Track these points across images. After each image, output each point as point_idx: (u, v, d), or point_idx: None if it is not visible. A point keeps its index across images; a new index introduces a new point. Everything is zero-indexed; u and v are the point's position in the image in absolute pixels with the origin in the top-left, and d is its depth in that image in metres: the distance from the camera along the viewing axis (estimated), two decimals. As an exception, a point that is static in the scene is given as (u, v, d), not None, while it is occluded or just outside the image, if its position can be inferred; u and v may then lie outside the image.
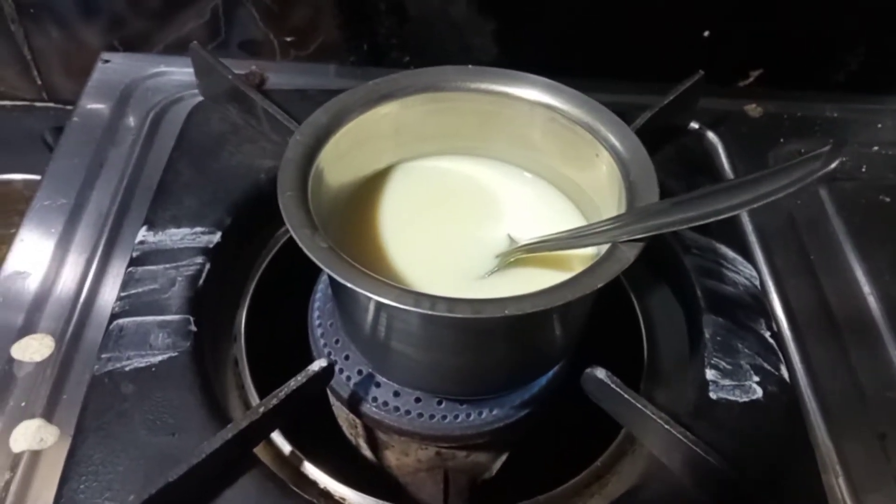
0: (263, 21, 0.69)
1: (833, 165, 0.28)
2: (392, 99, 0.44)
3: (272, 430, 0.43)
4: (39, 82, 0.79)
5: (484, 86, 0.45)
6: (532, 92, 0.44)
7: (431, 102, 0.45)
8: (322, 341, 0.47)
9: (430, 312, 0.33)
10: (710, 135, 0.64)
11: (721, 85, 0.70)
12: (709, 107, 0.64)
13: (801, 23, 0.67)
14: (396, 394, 0.45)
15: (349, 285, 0.33)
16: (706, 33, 0.68)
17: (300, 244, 0.35)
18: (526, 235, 0.43)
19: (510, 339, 0.38)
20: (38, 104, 0.81)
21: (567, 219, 0.45)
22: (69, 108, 0.79)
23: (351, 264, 0.35)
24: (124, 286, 0.47)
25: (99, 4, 0.68)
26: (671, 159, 0.59)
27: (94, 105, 0.63)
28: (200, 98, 0.61)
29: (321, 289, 0.49)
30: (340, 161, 0.43)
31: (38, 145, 0.78)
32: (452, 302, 0.33)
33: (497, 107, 0.45)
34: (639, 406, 0.41)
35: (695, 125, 0.64)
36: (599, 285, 0.33)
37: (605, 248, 0.37)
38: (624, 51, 0.70)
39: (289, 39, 0.71)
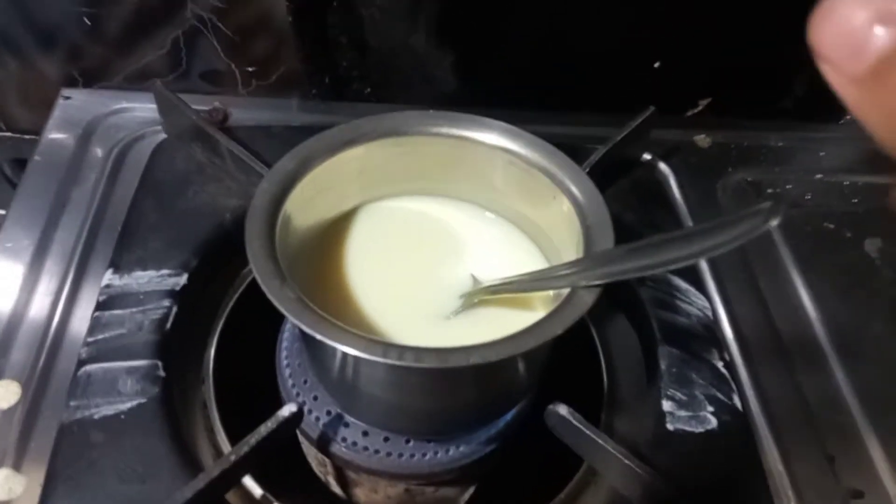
0: (225, 52, 0.69)
1: (774, 223, 0.30)
2: (356, 144, 0.45)
3: (243, 476, 0.43)
4: None
5: (445, 130, 0.46)
6: (491, 136, 0.45)
7: (394, 147, 0.46)
8: (290, 381, 0.48)
9: (397, 363, 0.34)
10: (662, 166, 0.66)
11: (672, 114, 0.72)
12: (660, 137, 0.66)
13: (748, 52, 0.70)
14: (365, 433, 0.46)
15: (318, 337, 0.34)
16: (656, 64, 0.70)
17: (269, 296, 0.36)
18: (489, 275, 0.44)
19: (475, 382, 0.40)
20: None
21: (528, 259, 0.47)
22: (27, 137, 0.79)
23: (319, 315, 0.35)
24: (91, 331, 0.47)
25: (57, 36, 0.68)
26: (626, 191, 0.62)
27: (55, 143, 0.62)
28: (163, 135, 0.61)
29: (289, 328, 0.50)
30: (306, 206, 0.43)
31: (-1, 178, 0.78)
32: (419, 352, 0.34)
33: (458, 150, 0.46)
34: (599, 441, 0.42)
35: (647, 156, 0.67)
36: (560, 331, 0.35)
37: (564, 291, 0.38)
38: (578, 82, 0.72)
39: (250, 70, 0.71)
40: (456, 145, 0.46)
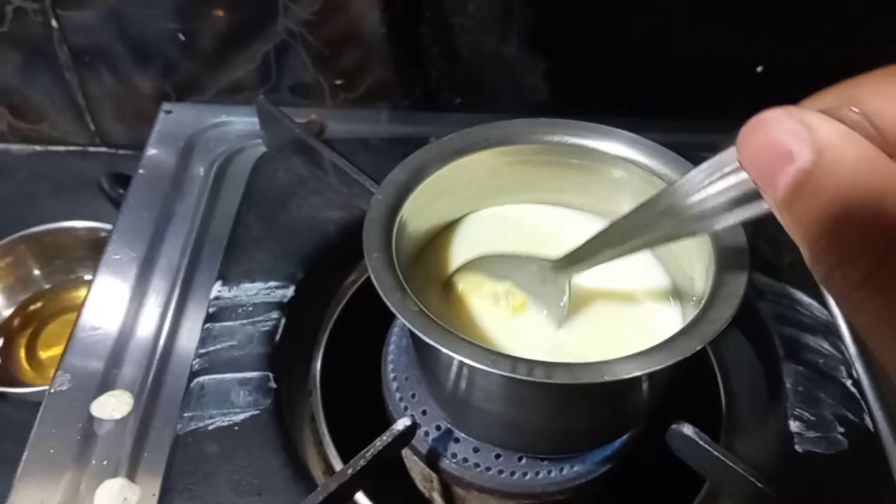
0: (314, 65, 0.70)
1: None
2: (467, 153, 0.44)
3: (357, 491, 0.43)
4: (93, 128, 0.80)
5: (558, 138, 0.45)
6: (608, 144, 0.44)
7: (505, 156, 0.45)
8: (398, 395, 0.47)
9: (528, 378, 0.33)
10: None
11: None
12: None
13: (856, 55, 0.66)
14: (476, 450, 0.44)
15: (445, 351, 0.33)
16: (759, 69, 0.68)
17: (392, 309, 0.35)
18: (601, 283, 0.43)
19: (601, 400, 0.38)
20: (90, 149, 0.82)
21: (647, 269, 0.45)
22: (122, 152, 0.82)
23: (442, 328, 0.35)
24: (202, 343, 0.47)
25: (152, 51, 0.70)
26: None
27: (158, 156, 0.64)
28: (263, 148, 0.62)
29: (394, 340, 0.50)
30: (419, 216, 0.43)
31: (94, 191, 0.80)
32: (549, 367, 0.33)
33: (572, 159, 0.45)
34: (727, 462, 0.40)
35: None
36: (698, 348, 0.33)
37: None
38: (675, 87, 0.70)
39: (339, 82, 0.72)
40: (570, 153, 0.45)
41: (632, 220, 0.33)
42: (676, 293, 0.43)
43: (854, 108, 0.22)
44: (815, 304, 0.51)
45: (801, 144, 0.20)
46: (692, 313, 0.36)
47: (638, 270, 0.44)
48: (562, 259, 0.40)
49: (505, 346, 0.40)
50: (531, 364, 0.33)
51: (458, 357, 0.33)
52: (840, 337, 0.51)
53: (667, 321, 0.42)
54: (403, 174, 0.43)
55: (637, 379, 0.36)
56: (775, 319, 0.50)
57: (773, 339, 0.49)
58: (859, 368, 0.50)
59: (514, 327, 0.42)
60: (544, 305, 0.42)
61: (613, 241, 0.35)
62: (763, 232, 0.56)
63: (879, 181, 0.19)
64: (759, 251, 0.54)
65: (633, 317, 0.42)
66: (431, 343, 0.34)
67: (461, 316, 0.42)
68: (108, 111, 0.78)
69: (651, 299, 0.43)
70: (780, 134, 0.21)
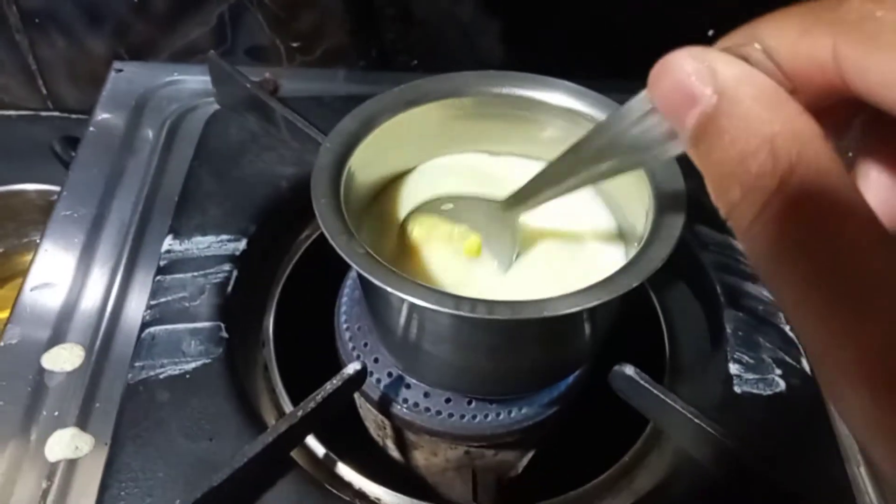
0: (270, 27, 0.69)
1: None
2: (417, 104, 0.45)
3: (308, 434, 0.43)
4: (45, 92, 0.79)
5: (507, 90, 0.45)
6: (554, 95, 0.45)
7: (455, 108, 0.46)
8: (350, 345, 0.48)
9: (469, 315, 0.33)
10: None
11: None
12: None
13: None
14: (427, 394, 0.45)
15: (391, 290, 0.34)
16: (710, 32, 0.69)
17: (339, 251, 0.35)
18: (548, 223, 0.44)
19: (543, 339, 0.39)
20: (43, 113, 0.81)
21: (592, 209, 0.46)
22: (74, 116, 0.80)
23: (389, 269, 0.35)
24: (153, 294, 0.47)
25: (104, 13, 0.68)
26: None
27: (109, 115, 0.63)
28: (216, 106, 0.61)
29: (347, 292, 0.50)
30: (369, 166, 0.43)
31: (47, 155, 0.78)
32: (492, 305, 0.34)
33: (520, 110, 0.46)
34: (668, 401, 0.42)
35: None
36: (636, 283, 0.34)
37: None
38: (631, 50, 0.70)
39: (295, 45, 0.71)
40: (518, 105, 0.45)
41: (570, 158, 0.34)
42: (622, 236, 0.44)
43: (757, 45, 0.23)
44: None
45: (704, 87, 0.21)
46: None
47: (585, 214, 0.45)
48: (509, 198, 0.40)
49: (458, 291, 0.41)
50: (473, 302, 0.34)
51: (403, 296, 0.34)
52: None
53: (614, 263, 0.43)
54: (353, 124, 0.43)
55: (577, 316, 0.37)
56: (717, 269, 0.51)
57: (715, 287, 0.50)
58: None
59: (468, 272, 0.43)
60: (496, 246, 0.43)
61: (555, 178, 0.36)
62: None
63: (771, 119, 0.20)
64: (703, 204, 0.55)
65: (581, 259, 0.43)
66: (377, 283, 0.34)
67: (416, 262, 0.43)
68: (60, 74, 0.76)
69: (598, 241, 0.44)
70: (684, 76, 0.22)
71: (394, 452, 0.51)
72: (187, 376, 0.44)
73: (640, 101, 0.28)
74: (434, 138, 0.47)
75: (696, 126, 0.22)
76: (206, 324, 0.46)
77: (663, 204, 0.39)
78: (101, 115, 0.63)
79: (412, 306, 0.37)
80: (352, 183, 0.42)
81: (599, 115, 0.43)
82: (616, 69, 0.68)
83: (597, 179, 0.34)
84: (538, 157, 0.48)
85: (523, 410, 0.45)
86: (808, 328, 0.20)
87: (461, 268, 0.43)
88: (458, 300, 0.34)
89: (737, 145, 0.20)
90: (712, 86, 0.21)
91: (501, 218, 0.41)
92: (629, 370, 0.42)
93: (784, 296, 0.20)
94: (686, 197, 0.38)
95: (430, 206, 0.44)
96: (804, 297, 0.19)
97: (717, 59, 0.22)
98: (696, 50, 0.22)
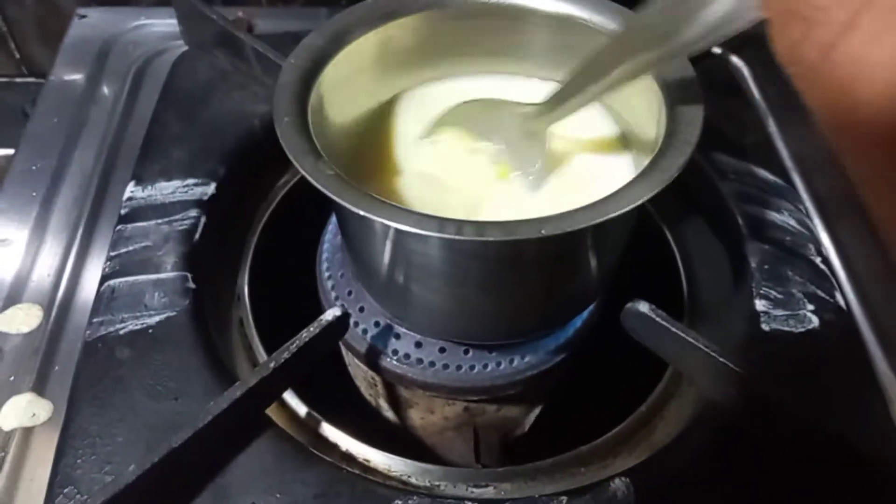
0: (250, -37, 0.64)
1: None
2: (396, 17, 0.40)
3: (285, 389, 0.39)
4: (17, 56, 0.75)
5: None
6: (548, 2, 0.39)
7: (435, 21, 0.41)
8: (333, 294, 0.43)
9: (457, 237, 0.29)
10: (735, 59, 0.60)
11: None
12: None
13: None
14: (419, 344, 0.41)
15: (361, 213, 0.29)
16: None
17: (303, 172, 0.31)
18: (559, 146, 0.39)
19: (545, 268, 0.34)
20: (18, 80, 0.78)
21: (598, 122, 0.41)
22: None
23: (362, 191, 0.30)
24: (114, 245, 0.43)
25: (72, -41, 0.64)
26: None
27: (71, 64, 0.58)
28: (185, 48, 0.56)
29: (329, 238, 0.45)
30: (342, 88, 0.38)
31: (20, 121, 0.74)
32: (481, 225, 0.29)
33: (512, 21, 0.40)
34: (689, 339, 0.37)
35: (717, 50, 0.60)
36: (648, 196, 0.29)
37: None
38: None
39: (277, -11, 0.66)
40: (507, 14, 0.40)
41: (612, 51, 0.31)
42: (630, 146, 0.39)
43: None
44: (780, 181, 0.47)
45: None
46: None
47: (591, 126, 0.40)
48: (543, 104, 0.36)
49: (473, 216, 0.36)
50: (460, 223, 0.29)
51: (377, 218, 0.29)
52: (808, 214, 0.47)
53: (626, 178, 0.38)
54: (321, 39, 0.38)
55: (581, 237, 0.32)
56: (738, 198, 0.46)
57: (736, 218, 0.45)
58: (828, 245, 0.47)
59: (485, 194, 0.38)
60: (521, 164, 0.38)
61: (595, 74, 0.32)
62: (726, 112, 0.52)
63: None
64: (721, 130, 0.50)
65: (596, 174, 0.38)
66: (346, 205, 0.30)
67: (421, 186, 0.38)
68: (31, 35, 0.73)
69: (608, 153, 0.39)
70: None
71: (387, 412, 0.46)
72: (150, 331, 0.39)
73: None
74: (416, 56, 0.42)
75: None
76: (171, 274, 0.41)
77: (677, 113, 0.34)
78: (63, 65, 0.58)
79: (394, 236, 0.33)
80: (322, 106, 0.37)
81: (600, 20, 0.38)
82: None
83: (640, 72, 0.30)
84: (537, 75, 0.43)
85: (526, 358, 0.41)
86: None
87: (477, 190, 0.38)
88: (442, 222, 0.29)
89: None
90: None
91: (530, 130, 0.37)
92: (643, 307, 0.37)
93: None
94: (703, 102, 0.33)
95: (452, 116, 0.40)
96: None
97: None
98: None
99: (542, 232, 0.29)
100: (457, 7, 0.40)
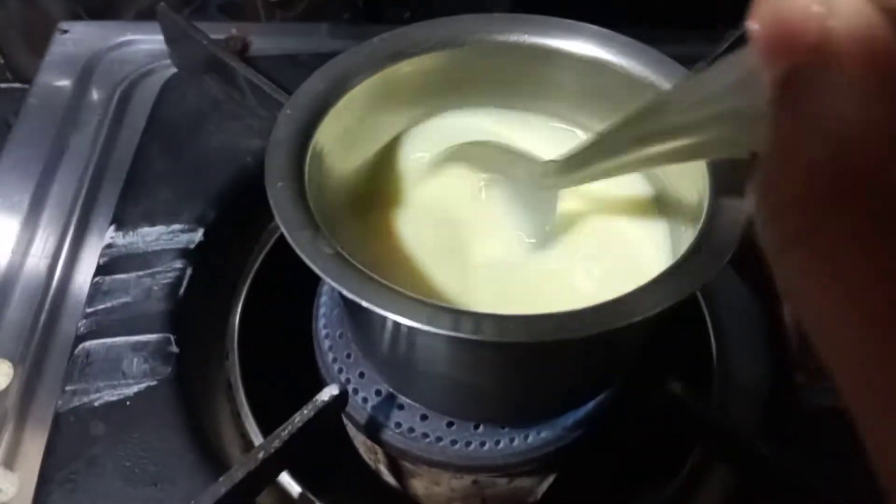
0: (245, -22, 0.60)
1: None
2: (404, 58, 0.36)
3: (276, 475, 0.35)
4: (2, 61, 0.71)
5: (516, 37, 0.36)
6: (576, 43, 0.35)
7: (450, 61, 0.37)
8: (331, 356, 0.39)
9: (473, 338, 0.25)
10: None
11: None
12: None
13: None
14: (424, 417, 0.37)
15: (365, 304, 0.26)
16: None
17: (298, 251, 0.27)
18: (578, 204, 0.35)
19: (569, 360, 0.31)
20: (2, 85, 0.73)
21: (628, 182, 0.37)
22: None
23: (366, 274, 0.27)
24: (90, 300, 0.39)
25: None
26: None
27: (52, 83, 0.54)
28: (174, 70, 0.52)
29: (326, 290, 0.42)
30: (344, 139, 0.34)
31: (3, 130, 0.71)
32: (500, 321, 0.25)
33: (531, 62, 0.36)
34: (721, 424, 0.33)
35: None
36: (698, 287, 0.26)
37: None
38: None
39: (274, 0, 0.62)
40: (529, 56, 0.36)
41: (642, 126, 0.25)
42: (663, 210, 0.35)
43: None
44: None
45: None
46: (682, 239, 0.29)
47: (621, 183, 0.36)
48: (556, 164, 0.31)
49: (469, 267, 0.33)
50: (478, 318, 0.25)
51: (383, 312, 0.25)
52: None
53: (656, 246, 0.34)
54: (322, 83, 0.34)
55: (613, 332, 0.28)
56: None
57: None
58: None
59: (484, 246, 0.34)
60: (524, 220, 0.35)
61: (615, 150, 0.27)
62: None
63: None
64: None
65: (619, 241, 0.34)
66: (347, 294, 0.26)
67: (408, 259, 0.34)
68: (17, 41, 0.70)
69: (637, 217, 0.35)
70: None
71: (388, 479, 0.43)
72: (127, 403, 0.36)
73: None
74: (424, 95, 0.38)
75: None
76: (152, 336, 0.38)
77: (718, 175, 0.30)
78: (43, 84, 0.54)
79: (398, 324, 0.29)
80: (322, 161, 0.33)
81: (632, 65, 0.34)
82: (640, 17, 0.59)
83: (673, 160, 0.26)
84: (561, 121, 0.39)
85: (542, 434, 0.37)
86: None
87: (480, 228, 0.35)
88: (457, 316, 0.25)
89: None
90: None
91: (538, 185, 0.33)
92: (676, 387, 0.34)
93: None
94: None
95: (460, 153, 0.37)
96: None
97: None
98: None
99: (566, 335, 0.25)
100: (474, 46, 0.36)
